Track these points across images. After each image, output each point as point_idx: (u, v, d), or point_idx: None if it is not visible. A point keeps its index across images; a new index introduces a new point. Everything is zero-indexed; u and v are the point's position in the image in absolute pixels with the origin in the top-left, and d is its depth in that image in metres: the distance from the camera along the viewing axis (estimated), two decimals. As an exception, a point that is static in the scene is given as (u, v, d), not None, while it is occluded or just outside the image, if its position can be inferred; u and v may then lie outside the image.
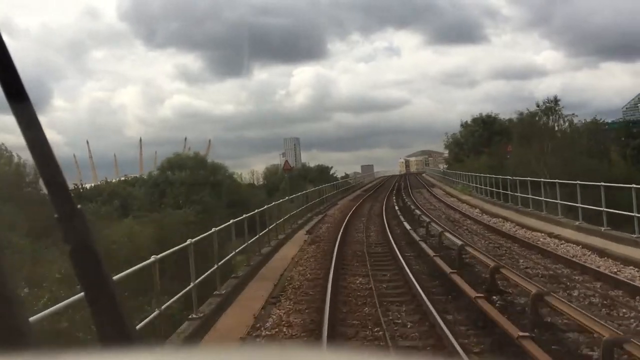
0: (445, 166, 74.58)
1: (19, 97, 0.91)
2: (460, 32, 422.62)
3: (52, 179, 0.95)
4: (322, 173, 68.49)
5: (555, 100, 43.80)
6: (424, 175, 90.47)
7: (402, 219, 21.33)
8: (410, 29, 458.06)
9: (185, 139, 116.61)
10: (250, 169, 60.31)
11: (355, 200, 37.48)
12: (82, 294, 0.98)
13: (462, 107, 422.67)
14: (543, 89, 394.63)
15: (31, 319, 4.37)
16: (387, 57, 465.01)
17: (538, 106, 44.45)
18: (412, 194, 40.56)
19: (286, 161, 56.06)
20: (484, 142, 56.09)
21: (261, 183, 60.06)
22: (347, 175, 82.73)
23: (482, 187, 31.91)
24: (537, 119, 44.46)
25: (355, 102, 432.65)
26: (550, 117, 43.77)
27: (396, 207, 27.32)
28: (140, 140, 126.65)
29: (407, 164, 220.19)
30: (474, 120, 63.01)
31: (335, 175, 72.51)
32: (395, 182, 59.40)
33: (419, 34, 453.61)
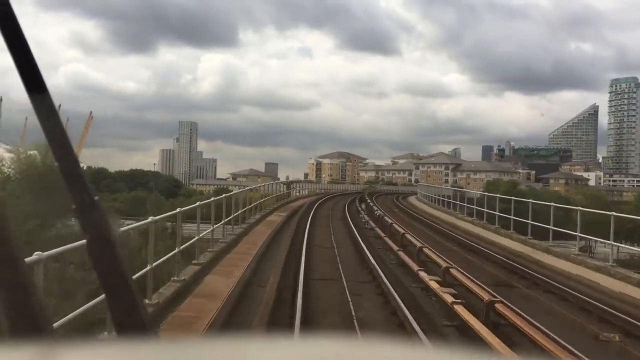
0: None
1: (38, 88, 0.92)
2: (372, 41, 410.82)
3: (70, 170, 0.96)
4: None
5: None
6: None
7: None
8: (324, 30, 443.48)
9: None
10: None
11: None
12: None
13: (367, 117, 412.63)
14: (446, 109, 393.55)
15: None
16: (300, 56, 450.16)
17: None
18: None
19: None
20: None
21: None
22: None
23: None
24: None
25: (265, 97, 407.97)
26: None
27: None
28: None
29: (318, 166, 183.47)
30: None
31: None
32: None
33: (332, 36, 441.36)
